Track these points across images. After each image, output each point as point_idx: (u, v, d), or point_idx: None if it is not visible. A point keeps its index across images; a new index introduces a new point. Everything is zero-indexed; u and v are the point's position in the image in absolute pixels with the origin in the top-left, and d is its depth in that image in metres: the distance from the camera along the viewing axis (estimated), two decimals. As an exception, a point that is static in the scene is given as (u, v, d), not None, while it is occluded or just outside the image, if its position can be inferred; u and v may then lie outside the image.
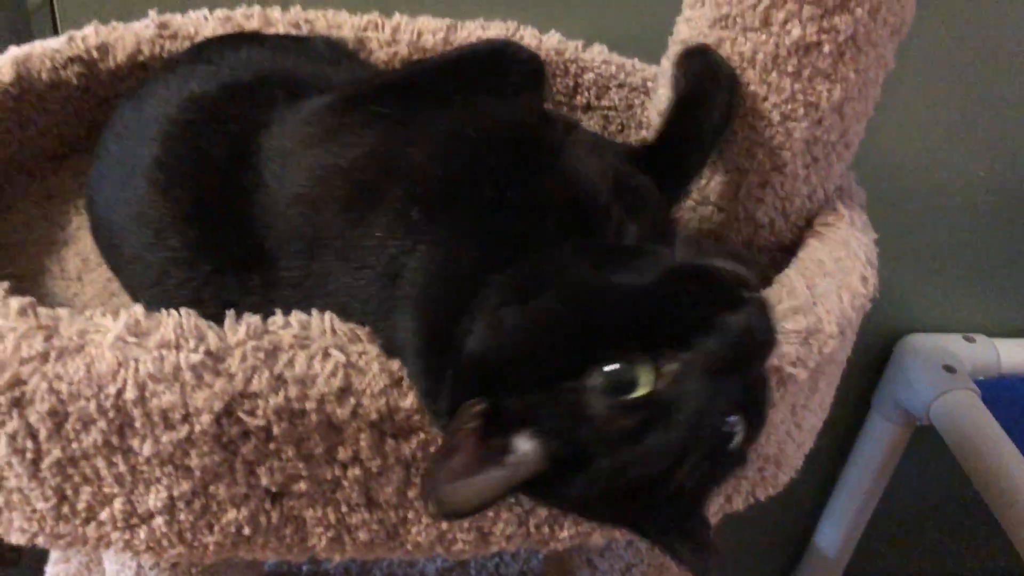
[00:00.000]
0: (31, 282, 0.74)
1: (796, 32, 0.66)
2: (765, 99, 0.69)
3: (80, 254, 0.77)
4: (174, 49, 0.88)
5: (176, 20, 0.90)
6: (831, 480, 1.47)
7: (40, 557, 1.00)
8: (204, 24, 0.90)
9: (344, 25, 0.93)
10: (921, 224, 1.27)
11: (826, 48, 0.66)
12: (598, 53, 0.95)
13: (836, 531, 1.48)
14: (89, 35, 0.85)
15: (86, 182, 0.75)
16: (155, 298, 0.62)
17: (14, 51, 0.82)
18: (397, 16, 0.94)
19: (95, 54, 0.85)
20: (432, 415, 0.55)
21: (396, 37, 0.93)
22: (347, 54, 0.88)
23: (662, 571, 0.91)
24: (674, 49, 0.75)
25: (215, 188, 0.65)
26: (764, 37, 0.67)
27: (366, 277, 0.57)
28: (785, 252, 0.77)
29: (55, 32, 1.08)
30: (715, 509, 0.69)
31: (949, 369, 1.23)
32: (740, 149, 0.72)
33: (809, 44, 0.66)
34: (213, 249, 0.63)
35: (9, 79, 0.79)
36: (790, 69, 0.67)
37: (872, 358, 1.35)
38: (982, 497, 1.14)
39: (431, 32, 0.93)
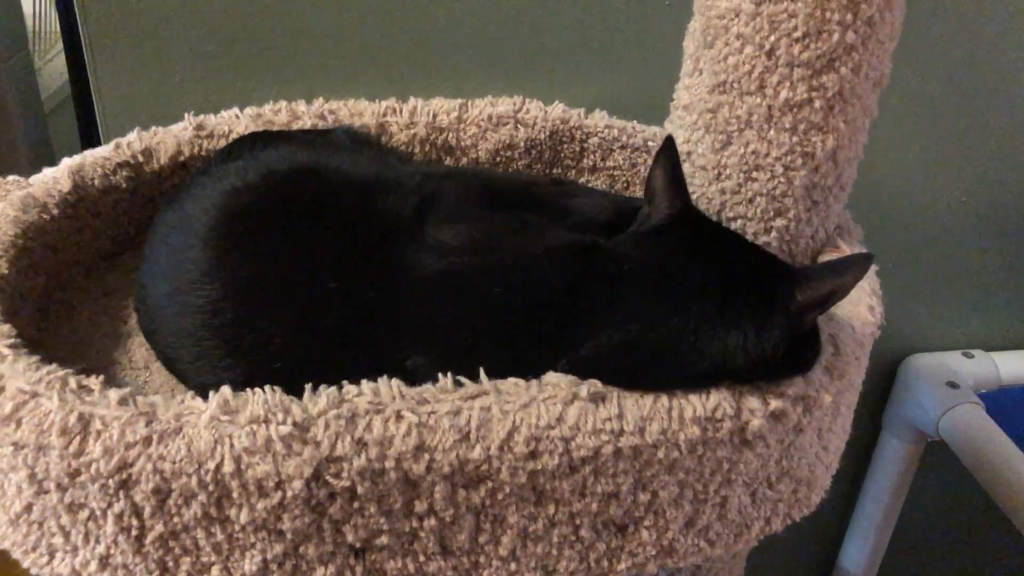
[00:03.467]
0: (103, 374, 0.79)
1: (786, 93, 0.73)
2: (767, 154, 0.76)
3: (144, 344, 0.83)
4: (211, 148, 0.95)
5: (211, 121, 0.97)
6: (851, 500, 1.52)
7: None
8: (236, 122, 0.97)
9: (365, 112, 1.00)
10: (914, 250, 1.35)
11: (817, 104, 0.73)
12: (600, 119, 1.03)
13: (860, 550, 1.52)
14: (134, 141, 0.92)
15: (136, 288, 0.81)
16: (205, 377, 0.70)
17: (68, 161, 0.89)
18: (412, 100, 1.02)
19: (140, 158, 0.92)
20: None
21: (414, 120, 1.00)
22: (366, 141, 0.95)
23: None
24: (676, 113, 0.83)
25: (273, 274, 0.72)
26: (759, 100, 0.74)
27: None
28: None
29: (81, 135, 1.15)
30: (756, 532, 0.74)
31: (952, 385, 1.30)
32: (742, 199, 0.79)
33: (801, 102, 0.73)
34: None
35: (67, 188, 0.86)
36: (787, 125, 0.74)
37: (879, 380, 1.41)
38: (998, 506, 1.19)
39: (445, 112, 1.01)
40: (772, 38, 0.72)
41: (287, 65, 1.04)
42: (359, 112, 1.00)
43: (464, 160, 1.02)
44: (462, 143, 1.01)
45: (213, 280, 0.72)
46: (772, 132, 0.75)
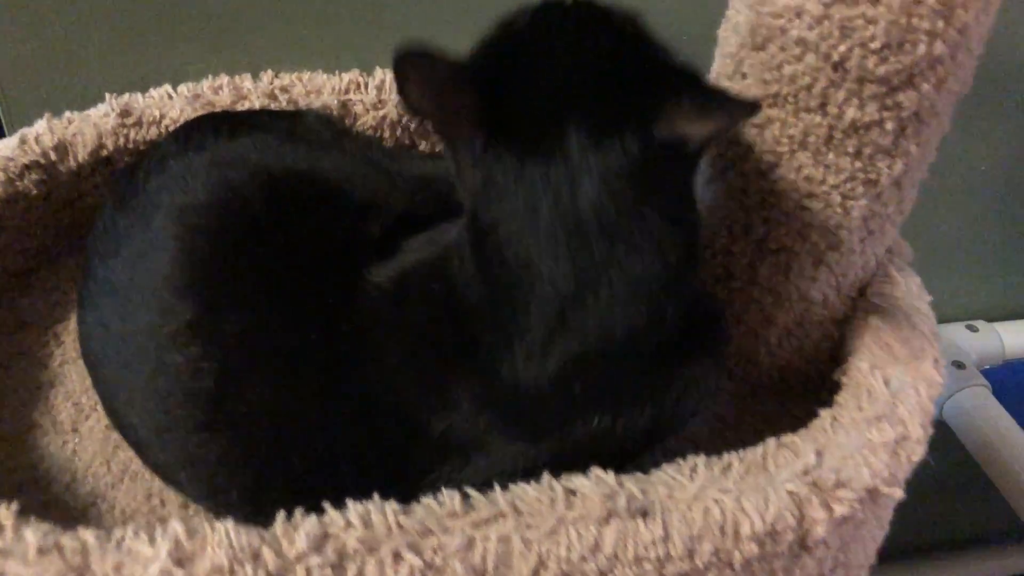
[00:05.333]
0: (20, 443, 0.66)
1: (853, 112, 0.60)
2: (822, 181, 0.63)
3: (70, 397, 0.69)
4: (140, 139, 0.79)
5: (137, 103, 0.80)
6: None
7: None
8: (170, 104, 0.81)
9: (324, 89, 0.84)
10: (916, 215, 1.24)
11: (888, 125, 0.61)
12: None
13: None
14: (43, 134, 0.76)
15: (78, 315, 0.67)
16: (168, 436, 0.59)
17: (-41, 166, 0.72)
18: (379, 72, 0.86)
19: (53, 156, 0.76)
20: None
21: (382, 97, 0.84)
22: (342, 131, 0.80)
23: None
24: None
25: (270, 321, 0.59)
26: (819, 119, 0.61)
27: None
28: (837, 325, 0.72)
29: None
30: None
31: (959, 365, 1.22)
32: (790, 231, 0.67)
33: (870, 123, 0.60)
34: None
35: (-40, 202, 0.70)
36: (850, 149, 0.62)
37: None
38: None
39: (420, 88, 0.85)
40: (842, 47, 0.58)
41: (227, 30, 0.87)
42: (316, 89, 0.84)
43: (440, 145, 0.87)
44: (440, 126, 0.86)
45: (194, 333, 0.58)
46: (831, 156, 0.63)
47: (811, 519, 0.55)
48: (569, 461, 0.55)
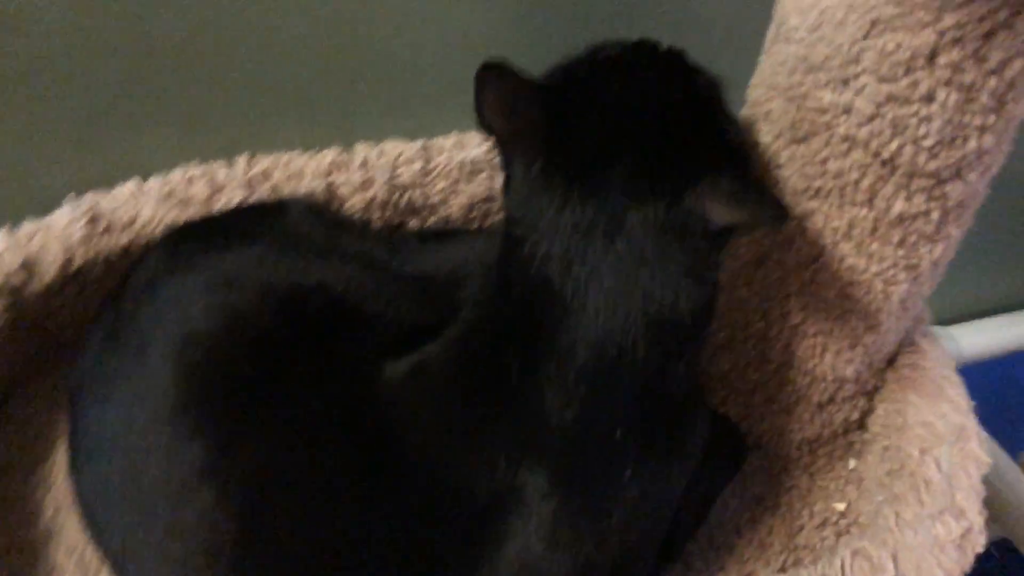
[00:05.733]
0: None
1: (901, 206, 0.59)
2: (864, 270, 0.62)
3: (73, 552, 0.63)
4: (112, 246, 0.72)
5: (104, 205, 0.73)
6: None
7: None
8: (140, 202, 0.73)
9: (305, 171, 0.78)
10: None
11: (934, 215, 0.59)
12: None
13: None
14: (5, 252, 0.68)
15: (70, 472, 0.60)
16: None
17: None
18: (360, 148, 0.81)
19: (17, 280, 0.68)
20: None
21: (368, 177, 0.79)
22: (332, 223, 0.75)
23: None
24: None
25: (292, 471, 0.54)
26: (864, 212, 0.60)
27: None
28: (867, 398, 0.72)
29: None
30: None
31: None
32: (829, 317, 0.65)
33: (916, 214, 0.59)
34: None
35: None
36: (894, 239, 0.60)
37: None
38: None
39: (406, 163, 0.80)
40: (894, 145, 0.56)
41: (194, 112, 0.79)
42: (297, 172, 0.78)
43: (432, 219, 0.83)
44: (430, 201, 0.82)
45: (207, 478, 0.53)
46: (875, 245, 0.61)
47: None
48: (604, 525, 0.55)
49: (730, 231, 0.54)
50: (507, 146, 0.58)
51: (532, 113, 0.55)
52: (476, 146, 0.83)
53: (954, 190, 0.58)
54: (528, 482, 0.54)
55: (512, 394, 0.55)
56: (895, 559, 0.56)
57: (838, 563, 0.57)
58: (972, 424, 0.66)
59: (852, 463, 0.74)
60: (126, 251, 0.73)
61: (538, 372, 0.54)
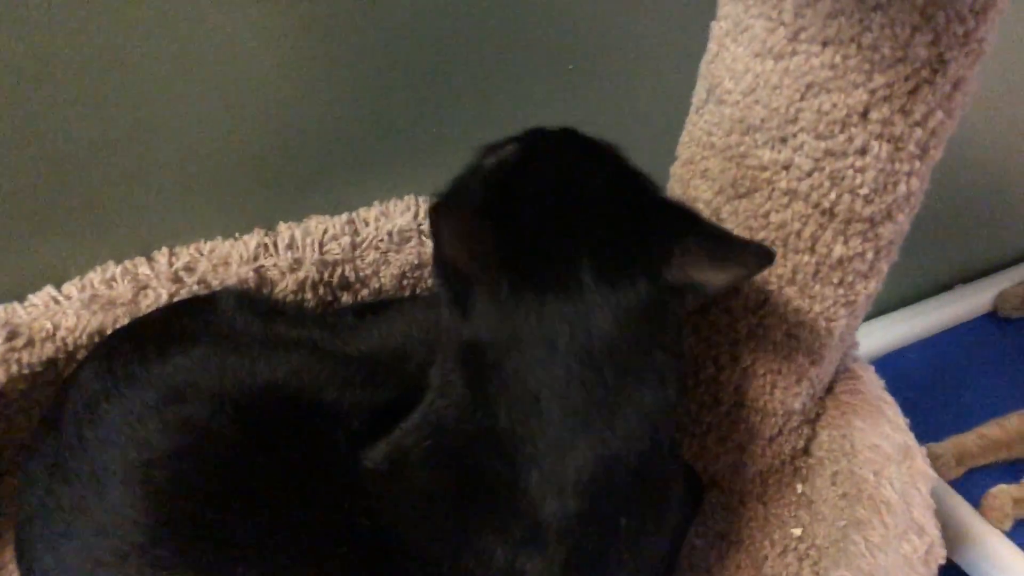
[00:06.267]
0: None
1: (840, 249, 0.62)
2: (808, 311, 0.65)
3: None
4: (33, 362, 0.68)
5: (20, 316, 0.69)
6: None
7: None
8: (60, 310, 0.69)
9: (231, 258, 0.76)
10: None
11: (868, 255, 0.63)
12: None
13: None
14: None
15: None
16: None
17: None
18: (284, 228, 0.79)
19: (-63, 409, 0.63)
20: None
21: (297, 258, 0.77)
22: (266, 312, 0.72)
23: None
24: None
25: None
26: (807, 258, 0.63)
27: None
28: (811, 425, 0.75)
29: None
30: None
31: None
32: (777, 357, 0.68)
33: (853, 256, 0.63)
34: None
35: None
36: (835, 280, 0.64)
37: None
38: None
39: (333, 239, 0.79)
40: (832, 195, 0.60)
41: (104, 209, 0.75)
42: (223, 260, 0.76)
43: (365, 292, 0.82)
44: (361, 274, 0.80)
45: None
46: (817, 287, 0.65)
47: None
48: None
49: (703, 292, 0.54)
50: (465, 277, 0.55)
51: (486, 238, 0.53)
52: (401, 214, 0.82)
53: (886, 230, 0.62)
54: (528, 569, 0.54)
55: (501, 494, 0.54)
56: (878, 584, 0.59)
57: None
58: (913, 442, 0.70)
59: (800, 488, 0.77)
60: (52, 363, 0.69)
61: (530, 478, 0.53)
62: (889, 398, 0.74)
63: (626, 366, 0.52)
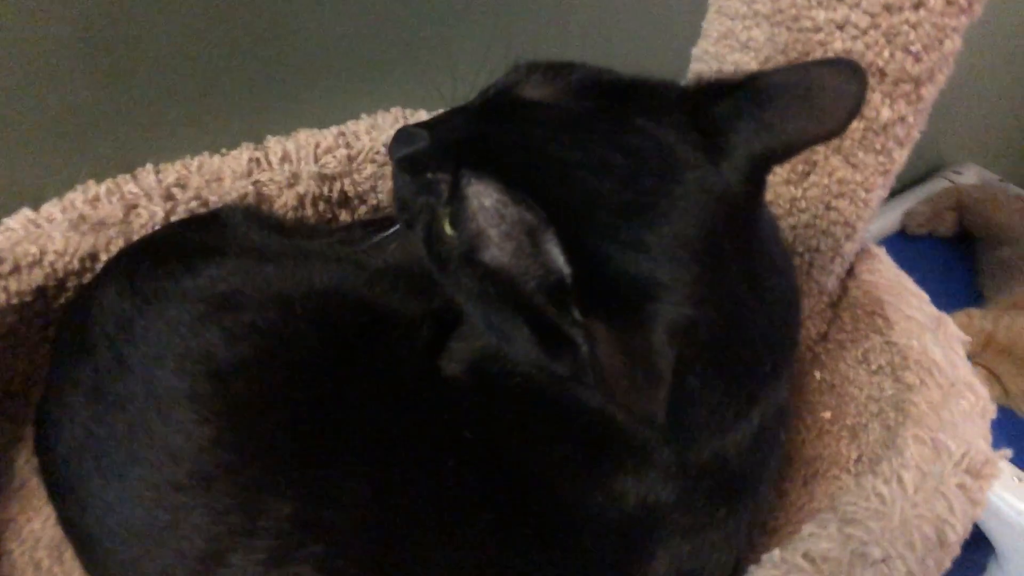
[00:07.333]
0: None
1: (887, 113, 0.62)
2: (850, 181, 0.65)
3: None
4: (23, 290, 0.60)
5: (3, 239, 0.60)
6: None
7: None
8: (47, 232, 0.62)
9: (223, 174, 0.70)
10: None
11: (909, 119, 0.63)
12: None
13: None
14: None
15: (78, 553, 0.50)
16: None
17: None
18: (273, 141, 0.73)
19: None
20: None
21: (293, 171, 0.72)
22: (273, 222, 0.67)
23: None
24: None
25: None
26: (857, 123, 0.63)
27: None
28: (833, 308, 0.75)
29: None
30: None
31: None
32: (816, 232, 0.68)
33: (896, 120, 0.63)
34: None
35: None
36: (877, 146, 0.64)
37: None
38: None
39: (327, 150, 0.74)
40: (886, 53, 0.59)
41: (75, 122, 0.67)
42: (215, 175, 0.69)
43: (363, 209, 0.76)
44: (359, 188, 0.75)
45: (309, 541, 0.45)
46: (860, 154, 0.64)
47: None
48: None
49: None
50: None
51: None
52: (391, 126, 0.77)
53: (927, 92, 0.62)
54: (660, 503, 0.52)
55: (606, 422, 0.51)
56: (952, 437, 0.60)
57: (908, 454, 0.59)
58: (939, 312, 0.72)
59: (818, 375, 0.78)
60: (41, 291, 0.61)
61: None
62: (906, 275, 0.75)
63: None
